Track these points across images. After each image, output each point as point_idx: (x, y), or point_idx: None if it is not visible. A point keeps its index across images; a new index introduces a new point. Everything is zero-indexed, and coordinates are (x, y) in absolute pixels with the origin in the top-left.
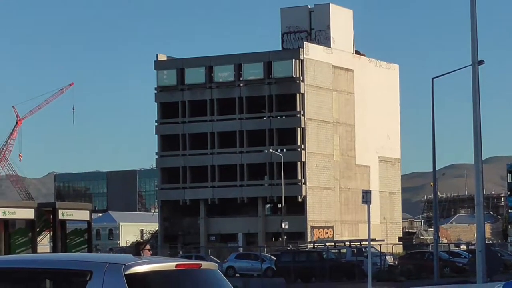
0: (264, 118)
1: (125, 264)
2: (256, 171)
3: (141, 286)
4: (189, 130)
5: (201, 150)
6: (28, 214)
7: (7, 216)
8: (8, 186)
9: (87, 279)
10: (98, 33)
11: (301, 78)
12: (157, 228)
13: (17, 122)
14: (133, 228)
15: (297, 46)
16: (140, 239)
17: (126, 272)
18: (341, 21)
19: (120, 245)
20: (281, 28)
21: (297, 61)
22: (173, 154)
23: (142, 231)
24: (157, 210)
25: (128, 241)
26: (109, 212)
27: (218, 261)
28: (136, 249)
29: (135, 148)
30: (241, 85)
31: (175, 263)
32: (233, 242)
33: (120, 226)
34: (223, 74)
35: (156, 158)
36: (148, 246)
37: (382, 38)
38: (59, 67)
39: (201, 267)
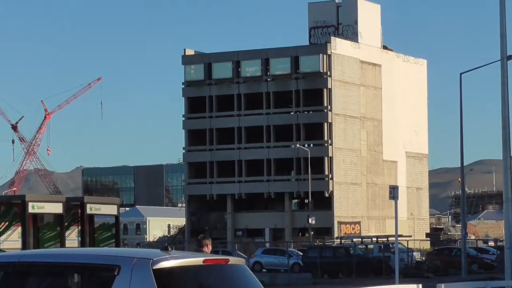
0: (291, 113)
1: (152, 259)
2: (283, 166)
3: (169, 281)
4: (216, 125)
5: (228, 145)
6: (57, 208)
7: (36, 210)
8: (37, 180)
9: (115, 273)
10: (127, 29)
11: (329, 73)
12: (184, 223)
13: (45, 117)
14: (160, 223)
15: (325, 41)
16: (167, 234)
17: (154, 267)
18: (369, 16)
19: (147, 240)
20: (309, 23)
21: (325, 56)
22: (200, 149)
23: (169, 226)
24: (184, 205)
25: (155, 236)
26: (136, 206)
27: (245, 256)
28: (199, 243)
29: (163, 142)
30: (269, 80)
31: (203, 258)
32: (260, 237)
33: (147, 220)
34: (251, 69)
35: (183, 153)
36: (209, 241)
37: (410, 33)
38: (87, 62)
39: (229, 263)
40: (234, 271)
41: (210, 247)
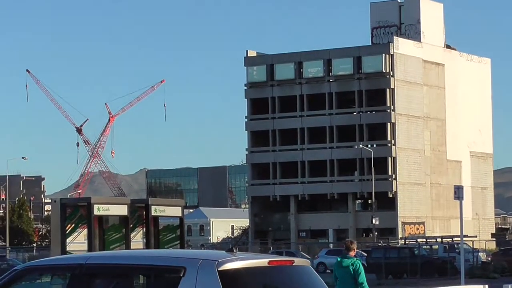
0: (354, 113)
1: (218, 261)
2: (346, 166)
3: (234, 283)
4: (279, 126)
5: (291, 145)
6: (122, 210)
7: (101, 213)
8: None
9: (181, 275)
10: (189, 31)
11: (391, 73)
12: (248, 224)
13: (109, 119)
14: (223, 224)
15: (387, 41)
16: (230, 235)
17: (219, 269)
18: (431, 15)
19: (211, 241)
20: (371, 22)
21: (387, 56)
22: (263, 150)
23: (232, 227)
24: (247, 206)
25: (219, 237)
26: (200, 208)
27: (309, 257)
28: (346, 246)
29: (225, 144)
30: (331, 80)
31: (268, 260)
32: (324, 238)
33: (211, 222)
34: (313, 69)
35: (246, 154)
36: (356, 245)
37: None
38: (150, 65)
39: (294, 264)
40: (299, 272)
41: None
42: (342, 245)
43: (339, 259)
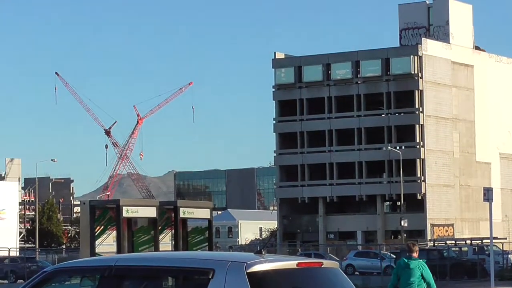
0: (383, 115)
1: (247, 263)
2: (374, 168)
3: (263, 285)
4: (307, 128)
5: (319, 147)
6: (150, 212)
7: (130, 215)
8: (130, 185)
9: (210, 277)
10: (217, 33)
11: (420, 75)
12: (276, 226)
13: (138, 122)
14: (252, 226)
15: (416, 43)
16: (258, 237)
17: (248, 271)
18: (460, 16)
19: (239, 243)
20: (399, 24)
21: (416, 57)
22: (291, 152)
23: (260, 229)
24: (275, 208)
25: (247, 239)
26: (228, 210)
27: (337, 259)
28: (409, 248)
29: (254, 146)
30: (359, 82)
31: (297, 262)
32: (352, 239)
33: (239, 224)
34: (341, 71)
35: (274, 156)
36: (418, 247)
37: (502, 33)
38: (178, 67)
39: (323, 266)
40: (328, 274)
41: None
42: (371, 247)
43: (406, 260)
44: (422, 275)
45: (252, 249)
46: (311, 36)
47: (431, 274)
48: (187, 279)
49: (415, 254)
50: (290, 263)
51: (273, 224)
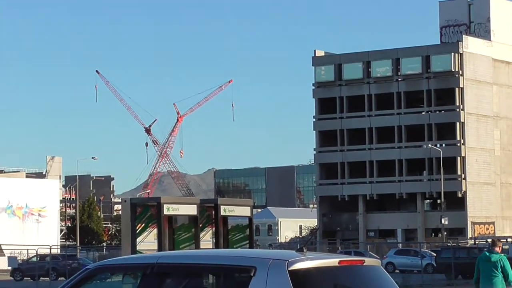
0: (423, 113)
1: (288, 260)
2: (415, 166)
3: (305, 283)
4: (347, 126)
5: (359, 145)
6: (191, 210)
7: (171, 212)
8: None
9: (251, 274)
10: (257, 30)
11: (460, 72)
12: (316, 224)
13: (178, 119)
14: (291, 224)
15: (456, 40)
16: (298, 235)
17: (290, 268)
18: (501, 13)
19: (279, 241)
20: (440, 21)
21: (456, 55)
22: (331, 149)
23: (300, 227)
24: (315, 206)
25: (287, 236)
26: (268, 208)
27: (377, 257)
28: (493, 243)
29: (293, 144)
30: (399, 80)
31: (338, 259)
32: (392, 238)
33: (279, 221)
34: (381, 69)
35: (314, 154)
36: (501, 243)
37: None
38: (218, 64)
39: (364, 264)
40: (370, 272)
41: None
42: (411, 245)
43: (487, 254)
44: (502, 268)
45: (292, 247)
46: (351, 33)
47: (510, 269)
48: (229, 277)
49: (498, 249)
50: (331, 261)
51: (312, 222)
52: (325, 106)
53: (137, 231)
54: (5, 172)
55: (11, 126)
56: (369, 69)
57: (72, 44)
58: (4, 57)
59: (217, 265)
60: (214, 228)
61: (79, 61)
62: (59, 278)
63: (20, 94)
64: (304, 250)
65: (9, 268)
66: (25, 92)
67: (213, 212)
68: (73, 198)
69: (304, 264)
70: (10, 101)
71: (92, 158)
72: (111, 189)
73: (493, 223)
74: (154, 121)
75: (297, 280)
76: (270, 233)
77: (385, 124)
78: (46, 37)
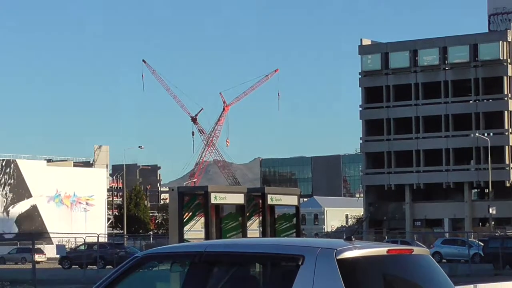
0: (470, 101)
1: (337, 249)
2: (462, 155)
3: (353, 271)
4: (393, 115)
5: (406, 134)
6: (238, 199)
7: (218, 201)
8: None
9: (300, 263)
10: (303, 19)
11: (509, 61)
12: (362, 213)
13: (224, 109)
14: (338, 213)
15: (505, 28)
16: (344, 224)
17: (338, 257)
18: None
19: (325, 230)
20: (488, 9)
21: (505, 43)
22: (377, 139)
23: (347, 216)
24: (362, 195)
25: (333, 226)
26: (314, 197)
27: (424, 246)
28: None
29: (339, 133)
30: (447, 68)
31: (387, 248)
32: (439, 227)
33: (325, 211)
34: (428, 57)
35: (360, 143)
36: None
37: None
38: (264, 53)
39: (413, 253)
40: (419, 261)
41: None
42: (458, 235)
43: None
44: None
45: (338, 236)
46: (398, 22)
47: None
48: (276, 265)
49: None
50: (380, 250)
51: (359, 211)
52: (371, 95)
53: (184, 220)
54: (53, 161)
55: (59, 115)
56: (416, 58)
57: (119, 34)
58: (51, 48)
59: (265, 254)
60: (261, 217)
61: (126, 51)
62: (107, 267)
63: (68, 84)
64: (352, 239)
65: (58, 256)
66: (73, 82)
67: (260, 201)
68: (120, 187)
69: (352, 253)
70: (58, 91)
71: (139, 147)
72: (158, 178)
73: None
74: (200, 110)
75: (345, 269)
76: (316, 222)
77: (432, 113)
78: (93, 27)
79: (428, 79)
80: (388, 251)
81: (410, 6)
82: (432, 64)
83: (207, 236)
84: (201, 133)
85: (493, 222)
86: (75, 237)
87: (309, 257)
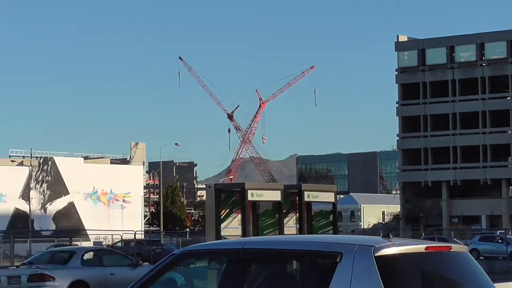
0: (508, 98)
1: (374, 246)
2: (499, 152)
3: (391, 268)
4: (430, 111)
5: (443, 131)
6: (275, 196)
7: (255, 198)
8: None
9: (338, 260)
10: (338, 16)
11: None
12: (399, 210)
13: (260, 105)
14: (374, 210)
15: None
16: (381, 221)
17: (376, 254)
18: None
19: (362, 227)
20: None
21: None
22: (414, 135)
23: (383, 213)
24: (398, 191)
25: (369, 223)
26: (351, 194)
27: (461, 243)
28: None
29: (376, 129)
30: (484, 64)
31: (425, 245)
32: (476, 224)
33: (362, 208)
34: (465, 54)
35: (397, 140)
36: None
37: None
38: (300, 50)
39: (451, 250)
40: (457, 258)
41: None
42: (495, 232)
43: None
44: None
45: (375, 233)
46: (435, 18)
47: None
48: (314, 262)
49: None
50: (418, 247)
51: (395, 208)
52: (408, 91)
53: (221, 217)
54: (90, 158)
55: (96, 112)
56: (453, 54)
57: (155, 31)
58: (88, 46)
59: (303, 251)
60: (297, 214)
61: (163, 48)
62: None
63: (104, 81)
64: (390, 236)
65: None
66: (109, 79)
67: (297, 198)
68: (156, 184)
69: (391, 250)
70: (95, 88)
71: (175, 144)
72: (194, 175)
73: None
74: (237, 107)
75: (383, 266)
76: (353, 219)
77: (469, 110)
78: (129, 25)
79: (465, 75)
80: (426, 248)
81: (447, 2)
82: (469, 60)
83: (244, 233)
84: (237, 130)
85: None
86: (112, 234)
87: (347, 254)
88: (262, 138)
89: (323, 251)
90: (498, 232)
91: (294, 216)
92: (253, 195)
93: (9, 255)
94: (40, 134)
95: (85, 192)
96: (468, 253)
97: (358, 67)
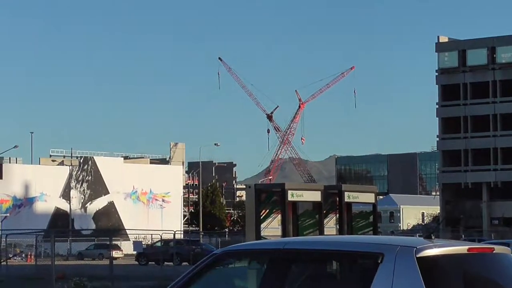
0: None
1: (416, 247)
2: None
3: (432, 270)
4: (470, 112)
5: (483, 132)
6: (315, 196)
7: (295, 198)
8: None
9: (379, 261)
10: (378, 17)
11: None
12: (439, 212)
13: (299, 106)
14: (414, 211)
15: None
16: (421, 222)
17: (418, 255)
18: None
19: (401, 228)
20: None
21: None
22: (454, 136)
23: (423, 214)
24: (438, 193)
25: (409, 224)
26: (390, 195)
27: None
28: None
29: (416, 130)
30: None
31: (467, 247)
32: None
33: (401, 209)
34: (506, 55)
35: (437, 141)
36: None
37: None
38: (340, 51)
39: (494, 251)
40: (500, 260)
41: None
42: None
43: None
44: None
45: (414, 234)
46: (476, 18)
47: None
48: (355, 263)
49: None
50: (460, 248)
51: (435, 210)
52: (448, 92)
53: (261, 217)
54: (130, 158)
55: (136, 112)
56: (494, 55)
57: (194, 32)
58: (126, 47)
59: (344, 251)
60: (337, 215)
61: (202, 49)
62: (183, 263)
63: (144, 82)
64: (432, 237)
65: (134, 252)
66: (149, 80)
67: (337, 199)
68: (195, 184)
69: (432, 251)
70: (134, 89)
71: (215, 144)
72: (233, 175)
73: None
74: (276, 107)
75: (425, 267)
76: (392, 220)
77: (510, 111)
78: (168, 26)
79: (506, 76)
80: (468, 249)
81: (488, 2)
82: (510, 61)
83: (284, 233)
84: (276, 130)
85: None
86: (151, 234)
87: (389, 255)
88: (301, 138)
89: (364, 251)
90: None
91: (334, 217)
92: (293, 196)
93: (50, 254)
94: (80, 134)
95: (125, 192)
96: (511, 254)
97: (398, 68)
